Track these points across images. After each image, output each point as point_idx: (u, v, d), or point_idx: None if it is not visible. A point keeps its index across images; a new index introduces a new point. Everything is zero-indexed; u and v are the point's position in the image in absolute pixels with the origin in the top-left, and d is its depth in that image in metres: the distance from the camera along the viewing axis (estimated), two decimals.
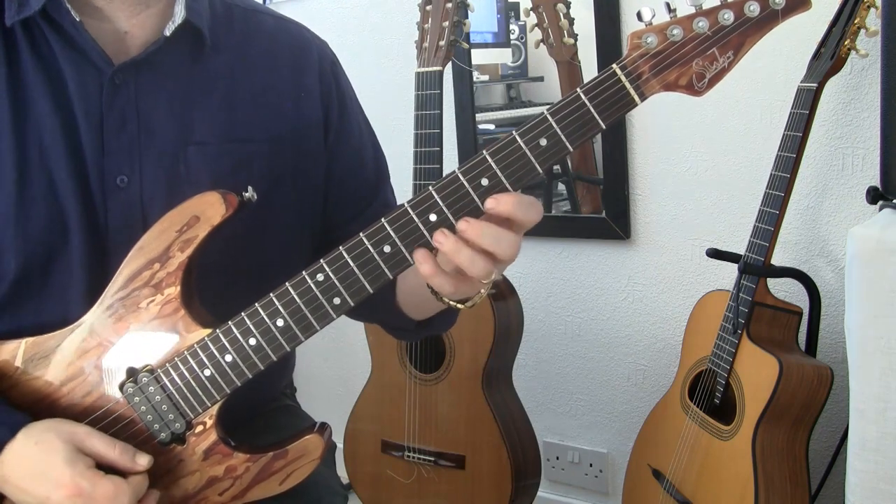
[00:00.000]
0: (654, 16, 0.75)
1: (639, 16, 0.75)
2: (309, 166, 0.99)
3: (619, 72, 0.75)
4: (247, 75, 0.96)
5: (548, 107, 0.76)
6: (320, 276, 0.81)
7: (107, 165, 0.89)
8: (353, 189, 1.04)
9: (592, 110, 0.75)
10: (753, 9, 0.73)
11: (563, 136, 0.75)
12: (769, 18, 0.73)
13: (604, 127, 0.75)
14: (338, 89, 1.02)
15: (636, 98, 0.75)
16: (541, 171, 0.77)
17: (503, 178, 0.77)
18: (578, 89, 0.75)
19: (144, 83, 0.91)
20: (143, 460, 0.84)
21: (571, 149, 0.76)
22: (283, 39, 1.00)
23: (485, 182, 0.77)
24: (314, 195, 1.01)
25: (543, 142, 0.76)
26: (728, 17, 0.73)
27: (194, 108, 0.93)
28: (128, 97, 0.90)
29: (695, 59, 0.74)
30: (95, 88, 0.89)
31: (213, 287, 0.90)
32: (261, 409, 1.09)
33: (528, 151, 0.76)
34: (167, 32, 0.90)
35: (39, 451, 0.82)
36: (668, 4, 0.74)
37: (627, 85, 0.75)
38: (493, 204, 0.76)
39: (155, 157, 0.91)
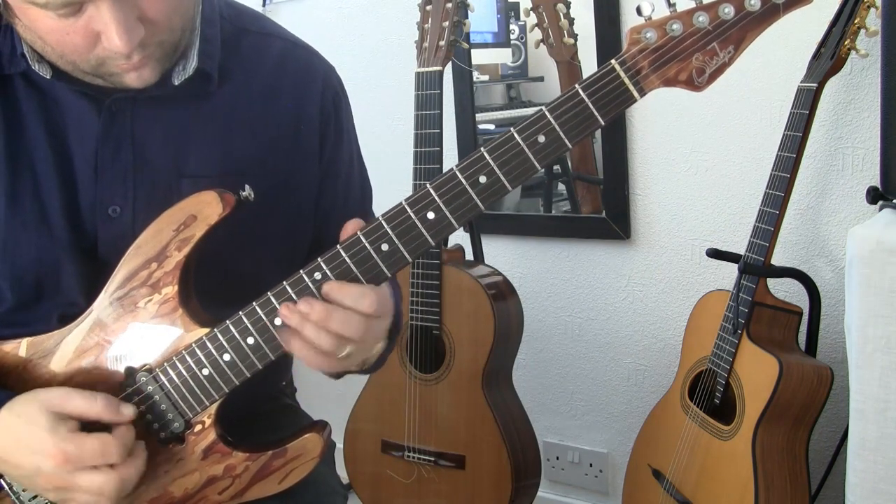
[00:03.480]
0: (653, 10, 0.74)
1: (638, 10, 0.73)
2: (302, 197, 0.99)
3: (618, 67, 0.74)
4: (247, 106, 0.95)
5: (546, 103, 0.76)
6: (318, 275, 0.81)
7: (99, 195, 0.89)
8: (336, 221, 1.03)
9: (591, 107, 0.74)
10: (754, 3, 0.72)
11: (561, 133, 0.75)
12: (770, 13, 0.72)
13: (603, 123, 0.74)
14: (336, 121, 1.01)
15: (635, 94, 0.74)
16: (539, 168, 0.76)
17: (501, 176, 0.77)
18: (577, 85, 0.74)
19: (142, 111, 0.90)
20: (128, 410, 0.84)
21: (570, 146, 0.75)
22: (289, 67, 0.98)
23: (482, 179, 0.77)
24: (307, 222, 1.00)
25: (542, 139, 0.75)
26: (729, 11, 0.72)
27: (191, 139, 0.92)
28: (123, 124, 0.89)
29: (695, 53, 0.73)
30: (92, 115, 0.88)
31: (210, 286, 0.90)
32: (260, 409, 1.09)
33: (526, 148, 0.76)
34: (176, 82, 0.89)
35: (22, 423, 0.81)
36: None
37: (626, 81, 0.74)
38: (328, 289, 0.80)
39: (148, 188, 0.90)
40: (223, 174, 0.92)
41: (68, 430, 0.81)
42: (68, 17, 0.76)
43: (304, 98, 0.98)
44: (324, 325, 0.80)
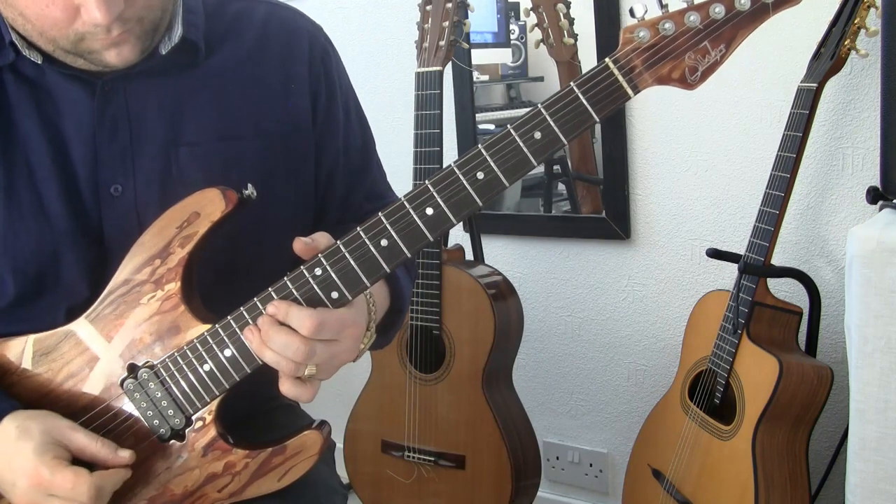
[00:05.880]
0: (646, 12, 0.76)
1: (631, 12, 0.76)
2: (300, 157, 0.99)
3: (611, 65, 0.76)
4: (237, 71, 0.95)
5: (542, 101, 0.76)
6: (318, 271, 0.81)
7: (100, 176, 0.89)
8: (339, 179, 1.04)
9: (586, 103, 0.75)
10: (744, 2, 0.73)
11: (556, 129, 0.76)
12: (760, 12, 0.74)
13: (597, 120, 0.76)
14: (326, 77, 1.01)
15: (629, 91, 0.76)
16: (535, 164, 0.77)
17: (498, 172, 0.77)
18: (572, 83, 0.76)
19: (134, 88, 0.90)
20: (125, 454, 0.84)
21: (566, 141, 0.76)
22: (273, 29, 0.99)
23: (480, 175, 0.78)
24: (307, 186, 1.01)
25: (538, 135, 0.76)
26: (719, 10, 0.74)
27: (184, 108, 0.92)
28: (118, 104, 0.90)
29: (687, 52, 0.75)
30: (86, 99, 0.89)
31: (211, 282, 0.91)
32: (260, 408, 1.09)
33: (522, 144, 0.76)
34: (163, 51, 0.89)
35: (16, 437, 0.82)
36: (660, 0, 0.75)
37: (620, 78, 0.75)
38: (273, 311, 0.81)
39: (147, 161, 0.91)
40: (219, 139, 0.93)
41: (53, 455, 0.82)
42: None
43: (292, 58, 0.98)
44: (276, 350, 0.81)
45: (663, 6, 0.75)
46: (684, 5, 0.75)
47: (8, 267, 0.88)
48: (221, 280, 0.91)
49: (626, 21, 1.75)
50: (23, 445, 0.82)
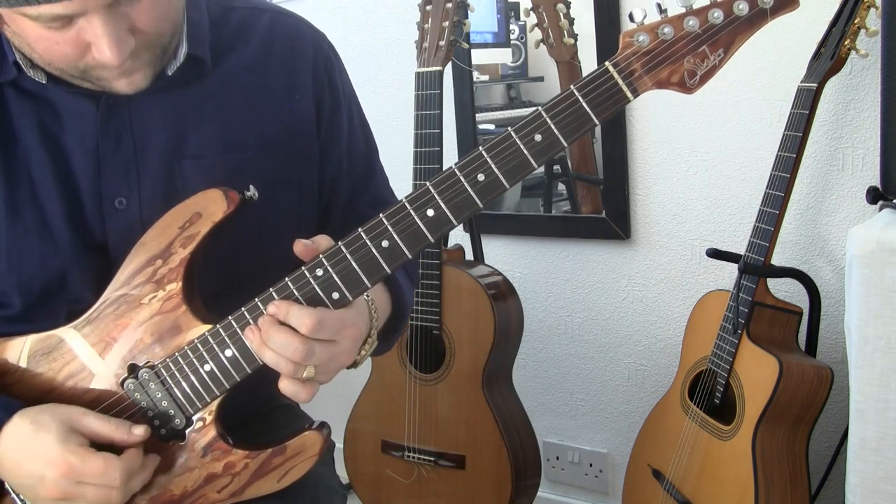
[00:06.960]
0: (645, 16, 0.77)
1: (630, 17, 0.77)
2: (303, 164, 0.99)
3: (611, 69, 0.76)
4: (241, 81, 0.95)
5: (543, 104, 0.77)
6: (319, 272, 0.82)
7: (104, 189, 0.89)
8: (343, 186, 1.04)
9: (586, 106, 0.76)
10: (742, 7, 0.74)
11: (557, 132, 0.76)
12: (758, 17, 0.75)
13: (597, 122, 0.76)
14: (330, 86, 1.01)
15: (629, 94, 0.76)
16: (536, 166, 0.77)
17: (499, 174, 0.78)
18: (572, 86, 0.76)
19: (139, 102, 0.90)
20: (140, 430, 0.85)
21: (566, 144, 0.77)
22: (277, 37, 0.99)
23: (481, 177, 0.78)
24: (310, 193, 1.01)
25: (538, 137, 0.77)
26: (718, 15, 0.75)
27: (188, 120, 0.92)
28: (122, 117, 0.90)
29: (686, 56, 0.76)
30: (89, 112, 0.89)
31: (213, 289, 0.91)
32: (260, 409, 1.09)
33: (522, 147, 0.77)
34: (170, 72, 0.89)
35: (34, 430, 0.82)
36: (658, 5, 0.76)
37: (620, 82, 0.76)
38: (274, 310, 0.81)
39: (151, 174, 0.91)
40: (223, 151, 0.93)
41: (77, 443, 0.82)
42: (59, 28, 0.77)
43: (296, 66, 0.98)
44: (275, 350, 0.81)
45: (662, 11, 0.76)
46: (683, 10, 0.76)
47: (13, 283, 0.88)
48: (223, 287, 0.91)
49: (627, 21, 1.75)
50: (43, 437, 0.82)
